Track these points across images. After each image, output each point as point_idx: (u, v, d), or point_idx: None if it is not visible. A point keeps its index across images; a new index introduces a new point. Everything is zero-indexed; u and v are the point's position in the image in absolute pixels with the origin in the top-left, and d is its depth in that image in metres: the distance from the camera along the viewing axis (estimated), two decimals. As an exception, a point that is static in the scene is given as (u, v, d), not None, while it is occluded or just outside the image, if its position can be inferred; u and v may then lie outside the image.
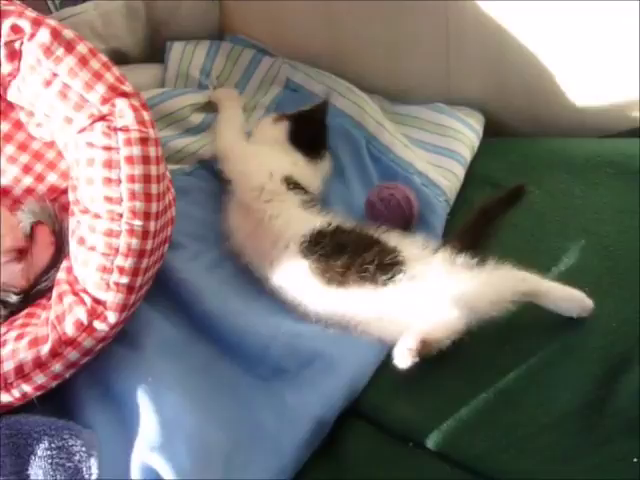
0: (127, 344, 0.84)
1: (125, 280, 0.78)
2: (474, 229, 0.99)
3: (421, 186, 1.07)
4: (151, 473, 0.72)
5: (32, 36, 0.77)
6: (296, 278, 0.89)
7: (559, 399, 0.79)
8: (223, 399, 0.81)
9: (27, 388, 0.77)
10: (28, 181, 0.96)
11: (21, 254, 0.89)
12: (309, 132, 1.08)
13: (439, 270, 0.85)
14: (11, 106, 0.89)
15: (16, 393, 0.77)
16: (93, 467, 0.73)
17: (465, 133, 1.15)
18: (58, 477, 0.72)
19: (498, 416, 0.79)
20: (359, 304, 0.85)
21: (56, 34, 0.77)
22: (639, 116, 1.11)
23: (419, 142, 1.16)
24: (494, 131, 1.21)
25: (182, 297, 0.90)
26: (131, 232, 0.77)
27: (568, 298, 0.85)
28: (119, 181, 0.77)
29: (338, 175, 1.11)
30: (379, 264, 0.85)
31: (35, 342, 0.78)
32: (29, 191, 0.96)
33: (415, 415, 0.81)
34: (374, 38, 1.23)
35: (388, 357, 0.84)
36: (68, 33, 0.78)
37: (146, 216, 0.78)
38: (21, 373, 0.76)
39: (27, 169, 0.96)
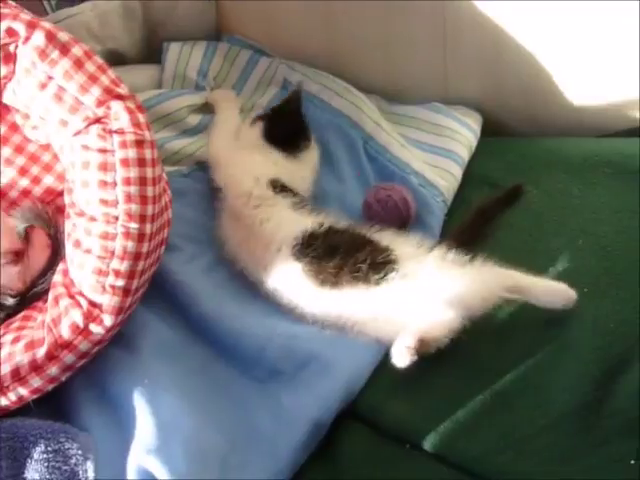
0: (123, 346, 0.84)
1: (121, 283, 0.77)
2: (471, 229, 0.99)
3: (418, 186, 1.06)
4: (147, 476, 0.72)
5: (27, 39, 0.77)
6: (290, 281, 0.89)
7: (556, 400, 0.79)
8: (219, 401, 0.81)
9: (23, 391, 0.77)
10: (24, 183, 0.96)
11: (18, 256, 0.89)
12: (282, 127, 1.06)
13: (432, 268, 0.85)
14: (7, 108, 0.89)
15: (12, 396, 0.77)
16: (89, 470, 0.73)
17: (462, 133, 1.15)
18: (54, 480, 0.72)
19: (495, 417, 0.79)
20: (354, 304, 0.85)
21: (51, 37, 0.77)
22: (637, 115, 1.11)
23: (416, 142, 1.15)
24: (492, 131, 1.20)
25: (178, 299, 0.90)
26: (127, 235, 0.77)
27: (551, 291, 0.85)
28: (115, 184, 0.77)
29: (335, 175, 1.11)
30: (371, 263, 0.85)
31: (31, 345, 0.77)
32: (25, 193, 0.96)
33: (412, 417, 0.80)
34: (371, 38, 1.22)
35: (385, 359, 0.84)
36: (63, 36, 0.78)
37: (142, 219, 0.78)
38: (17, 376, 0.76)
39: (23, 171, 0.95)
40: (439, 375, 0.83)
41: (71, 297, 0.79)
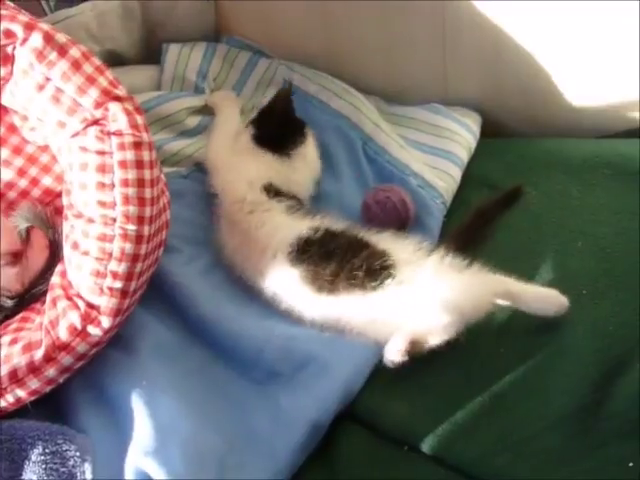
0: (121, 348, 0.84)
1: (119, 285, 0.77)
2: (470, 230, 0.98)
3: (417, 188, 1.06)
4: (145, 477, 0.72)
5: (24, 41, 0.76)
6: (287, 286, 0.89)
7: (555, 402, 0.79)
8: (217, 402, 0.81)
9: (21, 393, 0.77)
10: (23, 184, 0.96)
11: (16, 258, 0.89)
12: (271, 129, 1.05)
13: (428, 274, 0.84)
14: (5, 110, 0.89)
15: (10, 398, 0.77)
16: (87, 472, 0.73)
17: (462, 134, 1.15)
18: (52, 482, 0.72)
19: (493, 419, 0.78)
20: (351, 309, 0.85)
21: (49, 38, 0.77)
22: (637, 116, 1.11)
23: (415, 143, 1.15)
24: (491, 132, 1.20)
25: (177, 301, 0.90)
26: (125, 236, 0.77)
27: (541, 297, 0.85)
28: (112, 185, 0.77)
29: (333, 176, 1.10)
30: (368, 270, 0.84)
31: (29, 347, 0.77)
32: (24, 194, 0.96)
33: (410, 418, 0.80)
34: (370, 39, 1.22)
35: (383, 360, 0.84)
36: (61, 37, 0.78)
37: (140, 220, 0.78)
38: (15, 378, 0.76)
39: (22, 172, 0.95)
40: (437, 377, 0.83)
41: (69, 299, 0.78)
